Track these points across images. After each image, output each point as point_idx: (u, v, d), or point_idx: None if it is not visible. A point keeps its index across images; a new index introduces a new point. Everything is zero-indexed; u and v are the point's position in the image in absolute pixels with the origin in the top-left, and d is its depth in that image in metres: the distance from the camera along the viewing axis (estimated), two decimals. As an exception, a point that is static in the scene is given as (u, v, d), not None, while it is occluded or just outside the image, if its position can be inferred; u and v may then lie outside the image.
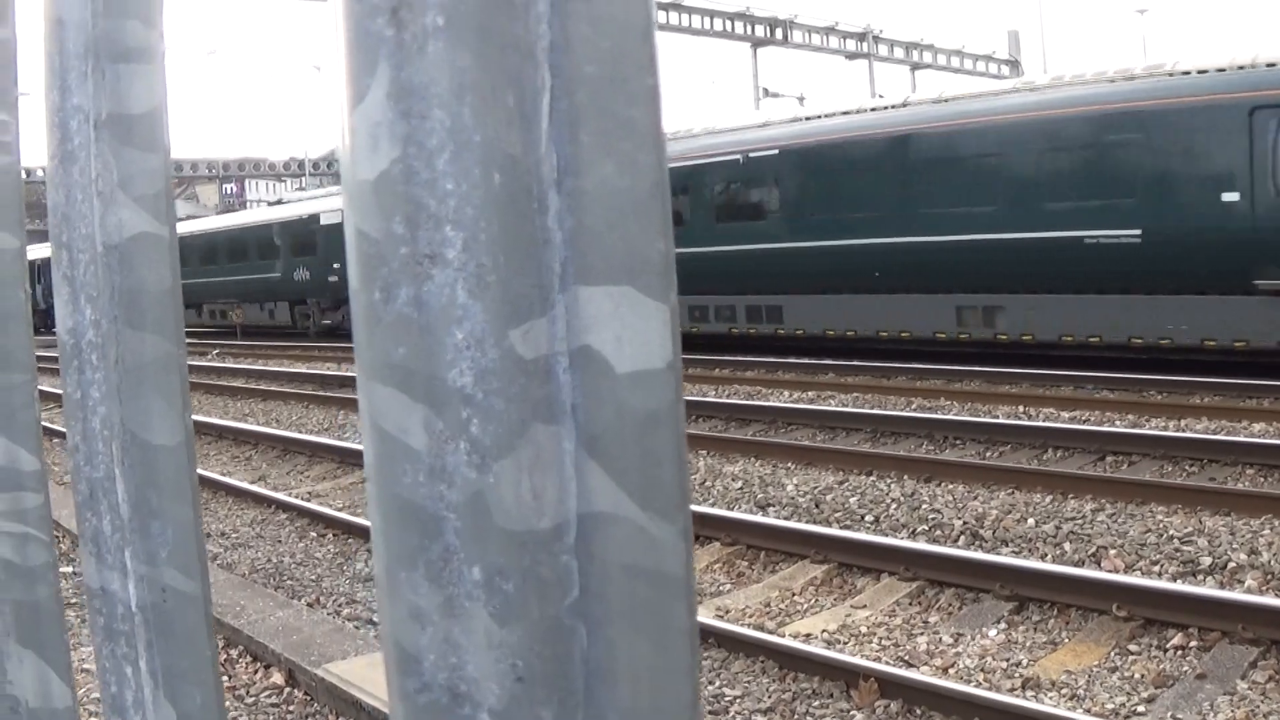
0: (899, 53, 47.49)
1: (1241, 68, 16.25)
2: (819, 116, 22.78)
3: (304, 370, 25.51)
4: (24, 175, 1.33)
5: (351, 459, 14.27)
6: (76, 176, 0.60)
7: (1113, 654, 6.69)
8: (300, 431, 16.91)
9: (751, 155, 22.47)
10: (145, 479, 0.60)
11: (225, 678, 6.99)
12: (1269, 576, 7.68)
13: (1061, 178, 17.78)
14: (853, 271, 20.60)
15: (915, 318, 20.10)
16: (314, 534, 11.01)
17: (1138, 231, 16.74)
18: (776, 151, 22.12)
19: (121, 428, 0.60)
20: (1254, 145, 15.77)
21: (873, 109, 21.91)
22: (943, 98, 20.64)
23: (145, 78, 0.60)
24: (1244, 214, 15.89)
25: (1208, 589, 7.34)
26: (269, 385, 23.73)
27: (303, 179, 47.07)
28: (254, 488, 12.89)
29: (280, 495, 12.35)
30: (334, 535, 10.86)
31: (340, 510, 11.68)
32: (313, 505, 11.80)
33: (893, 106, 21.30)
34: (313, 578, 9.57)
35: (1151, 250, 16.63)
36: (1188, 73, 16.76)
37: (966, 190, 18.85)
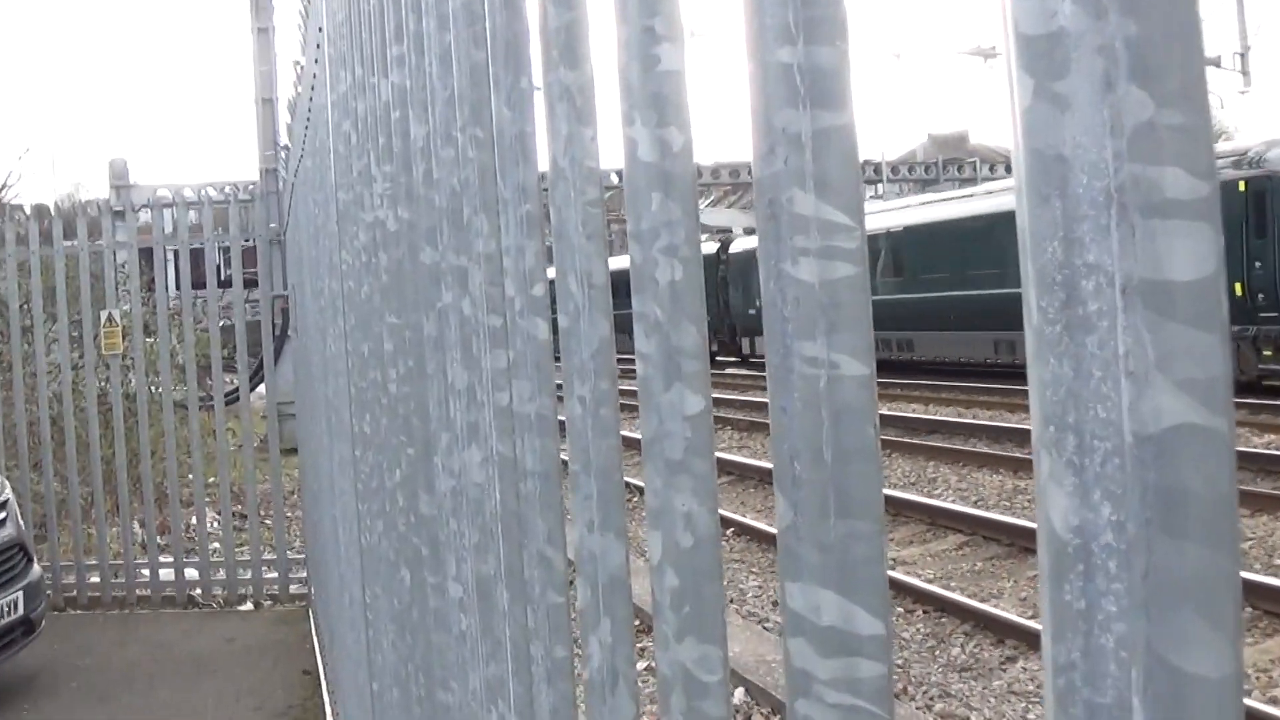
0: None
1: None
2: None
3: (885, 411, 23.72)
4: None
5: (944, 520, 12.15)
6: (1093, 349, 0.51)
7: None
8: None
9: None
10: (1174, 710, 0.50)
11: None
12: None
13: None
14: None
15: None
16: (900, 609, 9.47)
17: None
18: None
19: (1146, 649, 0.50)
20: None
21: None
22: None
23: (1192, 236, 0.50)
24: None
25: None
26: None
27: (879, 185, 45.96)
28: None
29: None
30: (923, 612, 9.33)
31: (931, 582, 10.02)
32: (898, 574, 10.13)
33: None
34: (898, 661, 8.18)
35: None
36: None
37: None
